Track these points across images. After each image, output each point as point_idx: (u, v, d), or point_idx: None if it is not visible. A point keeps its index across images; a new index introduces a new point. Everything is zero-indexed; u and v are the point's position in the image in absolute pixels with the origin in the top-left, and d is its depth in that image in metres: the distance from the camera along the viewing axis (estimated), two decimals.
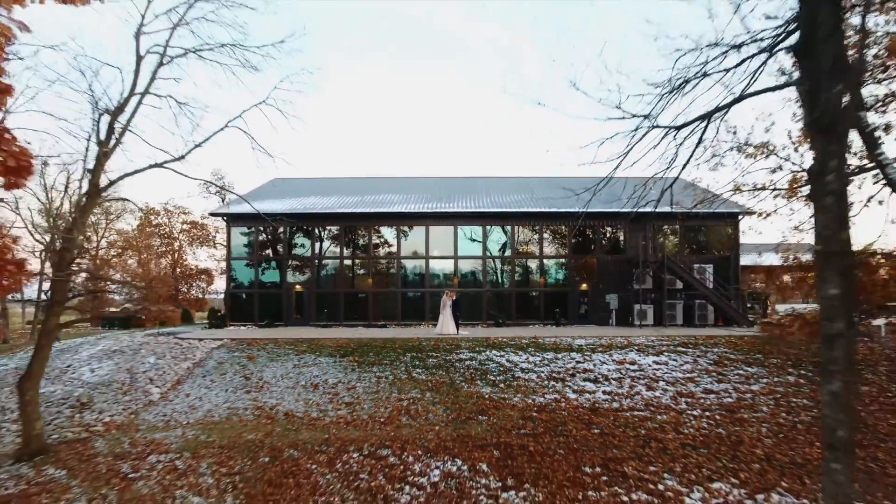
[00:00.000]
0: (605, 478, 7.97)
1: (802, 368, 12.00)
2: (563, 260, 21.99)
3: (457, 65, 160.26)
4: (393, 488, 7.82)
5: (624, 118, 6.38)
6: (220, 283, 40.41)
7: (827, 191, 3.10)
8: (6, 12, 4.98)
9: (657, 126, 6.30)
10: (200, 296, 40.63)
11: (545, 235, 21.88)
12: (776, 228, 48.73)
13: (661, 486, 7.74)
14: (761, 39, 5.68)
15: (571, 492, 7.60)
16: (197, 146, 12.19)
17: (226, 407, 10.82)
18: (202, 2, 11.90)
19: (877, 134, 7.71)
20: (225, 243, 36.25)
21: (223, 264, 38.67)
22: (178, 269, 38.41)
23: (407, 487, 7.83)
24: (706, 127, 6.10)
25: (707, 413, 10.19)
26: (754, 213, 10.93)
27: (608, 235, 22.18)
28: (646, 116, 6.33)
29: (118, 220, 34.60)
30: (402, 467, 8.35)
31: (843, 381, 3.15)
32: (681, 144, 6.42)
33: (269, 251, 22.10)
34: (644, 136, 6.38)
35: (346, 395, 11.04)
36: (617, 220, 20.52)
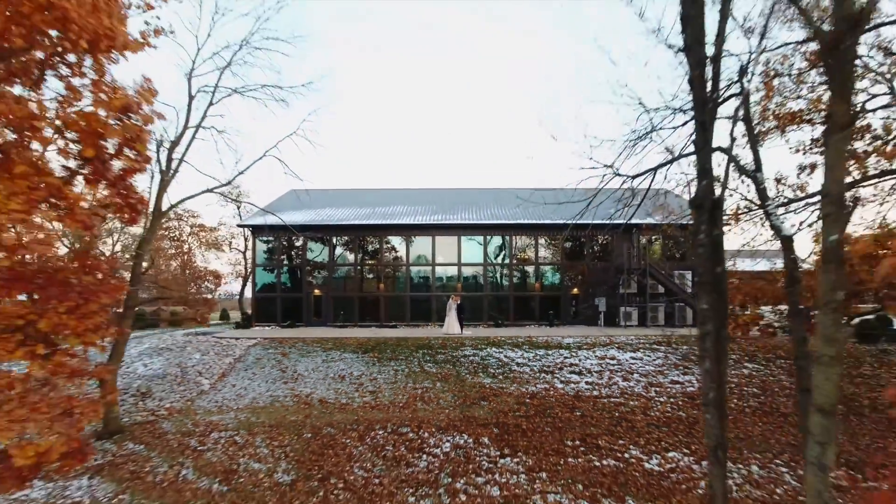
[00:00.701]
0: (582, 448, 9.81)
1: (755, 362, 13.82)
2: (556, 267, 23.81)
3: (464, 86, 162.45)
4: (413, 456, 9.66)
5: (594, 168, 8.21)
6: (234, 286, 42.18)
7: (699, 243, 4.90)
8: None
9: (618, 174, 8.12)
10: (209, 296, 42.32)
11: (540, 244, 23.71)
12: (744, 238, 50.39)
13: (626, 455, 9.59)
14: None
15: (555, 458, 9.44)
16: (240, 174, 14.09)
17: (268, 395, 12.66)
18: (244, 50, 13.88)
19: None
20: (241, 248, 38.16)
21: (238, 268, 40.51)
22: (188, 271, 40.13)
23: (424, 456, 9.67)
24: (654, 178, 7.91)
25: (671, 400, 12.01)
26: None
27: (597, 245, 23.98)
28: (609, 166, 8.15)
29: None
30: (419, 441, 10.19)
31: (712, 363, 4.95)
32: (638, 185, 8.25)
33: (289, 258, 23.92)
34: (610, 181, 8.21)
35: (370, 384, 12.88)
36: (603, 232, 22.30)
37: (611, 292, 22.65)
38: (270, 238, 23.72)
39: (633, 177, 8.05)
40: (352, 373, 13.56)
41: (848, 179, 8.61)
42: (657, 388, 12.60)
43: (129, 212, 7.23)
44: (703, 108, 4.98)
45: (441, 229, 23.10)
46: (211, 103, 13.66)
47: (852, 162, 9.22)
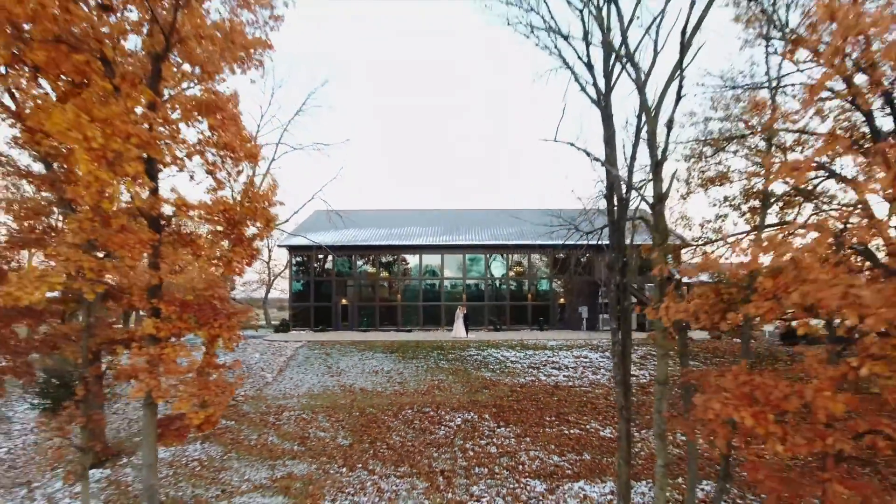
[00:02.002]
0: (556, 422, 13.14)
1: (696, 360, 17.12)
2: (546, 279, 27.14)
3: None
4: (434, 427, 13.00)
5: (561, 226, 11.54)
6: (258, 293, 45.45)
7: (611, 290, 8.22)
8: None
9: (577, 230, 11.46)
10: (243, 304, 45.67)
11: (533, 260, 27.04)
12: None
13: (588, 427, 12.91)
14: None
15: (536, 428, 12.77)
16: (295, 213, 17.45)
17: (320, 385, 15.99)
18: (297, 116, 17.27)
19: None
20: (266, 259, 41.45)
21: (262, 276, 43.78)
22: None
23: (442, 427, 13.00)
24: (601, 233, 11.24)
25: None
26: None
27: (581, 261, 27.28)
28: (575, 227, 11.48)
29: None
30: (438, 417, 13.52)
31: (619, 359, 8.25)
32: (599, 237, 11.58)
33: (320, 272, 27.28)
34: (572, 236, 11.53)
35: (397, 377, 16.21)
36: (585, 250, 25.55)
37: (591, 301, 25.95)
38: (303, 255, 27.08)
39: (588, 232, 11.41)
40: (383, 368, 16.91)
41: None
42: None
43: (249, 260, 10.63)
44: (613, 213, 8.34)
45: (448, 248, 26.47)
46: (273, 159, 17.08)
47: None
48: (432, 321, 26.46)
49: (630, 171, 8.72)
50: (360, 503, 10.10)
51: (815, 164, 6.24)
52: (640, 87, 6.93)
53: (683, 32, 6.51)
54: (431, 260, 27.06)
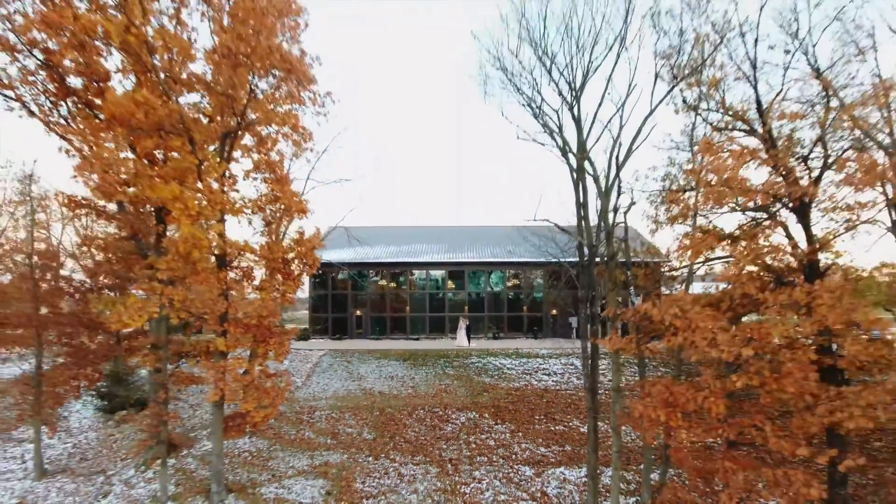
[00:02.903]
0: (544, 420, 15.39)
1: (666, 367, 19.38)
2: (539, 292, 29.42)
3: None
4: (443, 424, 15.26)
5: (545, 246, 13.81)
6: None
7: (583, 318, 10.46)
8: None
9: (560, 263, 13.76)
10: None
11: (528, 274, 29.33)
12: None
13: (570, 424, 15.17)
14: None
15: (528, 425, 15.02)
16: (322, 240, 19.78)
17: (344, 389, 18.26)
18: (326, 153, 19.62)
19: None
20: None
21: None
22: None
23: (449, 424, 15.26)
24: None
25: (606, 392, 17.56)
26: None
27: (571, 276, 29.56)
28: (558, 263, 13.77)
29: None
30: (445, 416, 15.78)
31: (587, 366, 10.51)
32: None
33: (337, 285, 29.57)
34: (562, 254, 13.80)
35: (410, 382, 18.49)
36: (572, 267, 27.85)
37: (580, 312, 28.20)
38: (322, 270, 29.38)
39: (574, 264, 13.72)
40: (397, 374, 19.18)
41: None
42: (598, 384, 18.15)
43: (294, 290, 12.93)
44: (583, 260, 10.66)
45: (451, 265, 28.78)
46: (303, 193, 19.42)
47: None
48: (437, 329, 28.73)
49: (593, 235, 11.07)
50: (385, 485, 12.37)
51: (716, 234, 8.55)
52: (596, 178, 9.27)
53: (617, 157, 8.88)
54: (436, 274, 29.36)
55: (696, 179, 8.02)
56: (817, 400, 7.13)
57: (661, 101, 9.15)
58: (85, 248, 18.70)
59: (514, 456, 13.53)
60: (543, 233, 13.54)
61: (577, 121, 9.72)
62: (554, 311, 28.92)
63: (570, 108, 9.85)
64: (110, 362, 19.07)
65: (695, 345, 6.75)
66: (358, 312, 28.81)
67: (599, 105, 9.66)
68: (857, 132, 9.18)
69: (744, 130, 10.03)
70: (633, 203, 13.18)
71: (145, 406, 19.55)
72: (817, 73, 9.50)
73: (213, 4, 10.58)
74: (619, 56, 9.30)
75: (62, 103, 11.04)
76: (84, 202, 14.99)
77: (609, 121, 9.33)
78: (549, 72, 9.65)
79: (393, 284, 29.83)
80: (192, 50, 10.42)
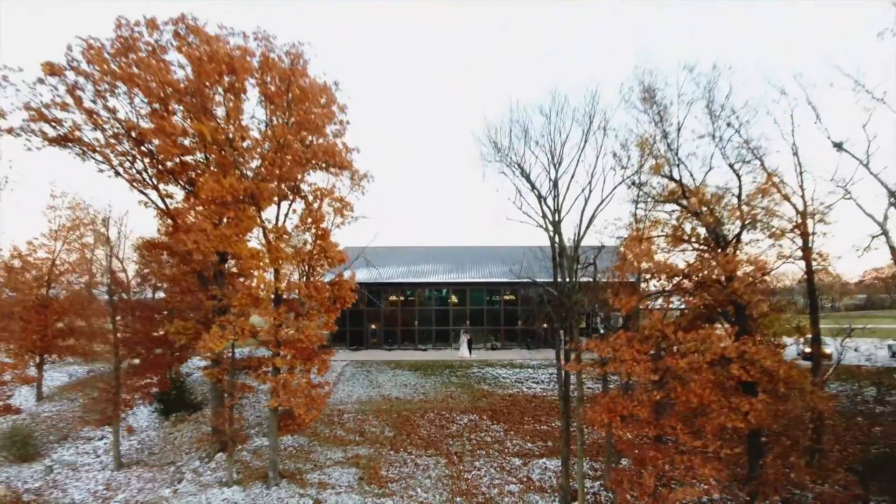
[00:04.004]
0: (532, 421, 18.31)
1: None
2: (532, 307, 32.37)
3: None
4: (448, 424, 18.18)
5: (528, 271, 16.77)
6: None
7: (560, 355, 13.35)
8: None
9: (550, 291, 16.70)
10: None
11: (522, 291, 32.29)
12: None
13: (553, 424, 18.07)
14: None
15: (518, 425, 17.94)
16: (346, 268, 22.81)
17: (366, 395, 21.21)
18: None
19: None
20: None
21: None
22: None
23: (454, 424, 18.19)
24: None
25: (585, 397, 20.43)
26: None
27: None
28: (545, 285, 16.72)
29: None
30: (451, 417, 18.70)
31: (560, 379, 13.43)
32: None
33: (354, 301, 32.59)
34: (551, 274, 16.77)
35: (421, 389, 21.43)
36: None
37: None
38: None
39: (561, 291, 16.68)
40: (410, 382, 22.14)
41: None
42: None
43: (333, 319, 15.90)
44: (557, 300, 13.62)
45: (454, 284, 31.81)
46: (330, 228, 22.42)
47: None
48: (442, 340, 31.71)
49: (567, 287, 14.03)
50: (405, 472, 15.30)
51: (649, 293, 11.51)
52: (562, 248, 12.29)
53: (579, 232, 11.91)
54: (441, 291, 32.36)
55: (621, 269, 11.01)
56: (709, 407, 10.09)
57: (611, 193, 12.22)
58: (153, 279, 21.78)
59: (506, 450, 16.44)
60: (536, 253, 16.45)
61: (554, 211, 12.78)
62: (545, 325, 31.85)
63: (543, 201, 12.95)
64: (170, 371, 22.12)
65: (621, 370, 9.73)
66: (373, 326, 31.82)
67: (564, 198, 12.74)
68: (758, 209, 12.22)
69: (678, 204, 13.06)
70: (602, 248, 16.24)
71: (197, 409, 22.63)
72: (730, 166, 12.56)
73: (276, 107, 13.70)
74: (578, 162, 12.45)
75: (145, 169, 14.30)
76: (159, 244, 18.15)
77: (573, 204, 12.34)
78: (528, 179, 12.80)
79: (404, 300, 32.86)
80: (262, 146, 13.50)
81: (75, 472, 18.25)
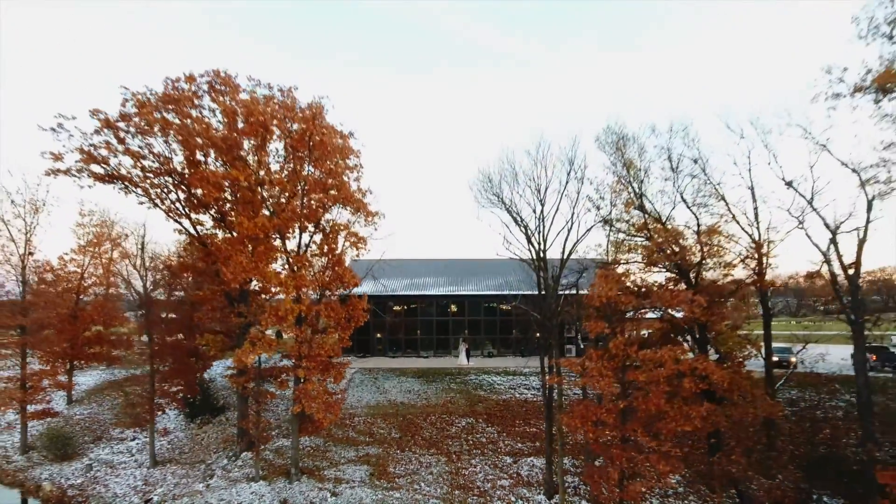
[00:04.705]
0: (523, 424, 20.20)
1: None
2: (526, 317, 34.29)
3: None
4: (448, 427, 20.07)
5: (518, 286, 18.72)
6: None
7: (551, 371, 15.23)
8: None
9: (535, 315, 18.66)
10: None
11: (516, 302, 34.20)
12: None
13: (541, 427, 19.90)
14: None
15: (511, 427, 19.84)
16: (355, 286, 24.74)
17: (374, 400, 23.10)
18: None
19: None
20: None
21: None
22: None
23: (453, 427, 20.09)
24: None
25: (566, 404, 22.33)
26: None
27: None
28: (535, 297, 18.66)
29: None
30: (450, 420, 20.60)
31: (544, 386, 15.31)
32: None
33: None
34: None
35: (423, 394, 23.33)
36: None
37: (560, 334, 33.03)
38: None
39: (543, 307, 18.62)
40: (413, 388, 24.04)
41: None
42: (567, 396, 22.95)
43: (348, 335, 17.82)
44: (543, 319, 15.57)
45: (453, 296, 33.78)
46: (343, 250, 24.35)
47: None
48: (443, 348, 33.62)
49: (551, 311, 15.96)
50: (410, 469, 17.20)
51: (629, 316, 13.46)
52: (546, 279, 14.23)
53: (563, 258, 13.86)
54: (442, 302, 34.30)
55: (590, 299, 12.95)
56: (666, 414, 12.00)
57: (587, 232, 14.22)
58: (185, 297, 23.70)
59: (499, 449, 18.34)
60: (525, 267, 18.32)
61: (539, 247, 14.80)
62: (538, 334, 33.77)
63: (530, 237, 14.96)
64: (198, 377, 24.02)
65: (591, 384, 11.66)
66: (378, 334, 33.74)
67: (549, 230, 14.71)
68: (714, 244, 14.20)
69: (645, 237, 15.04)
70: (584, 270, 18.20)
71: (220, 412, 24.51)
72: (688, 207, 14.55)
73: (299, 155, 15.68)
74: (559, 203, 14.47)
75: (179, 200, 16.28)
76: (188, 266, 20.09)
77: (557, 235, 14.30)
78: (515, 221, 14.83)
79: (406, 308, 34.81)
80: (286, 188, 15.48)
81: (113, 470, 20.14)
